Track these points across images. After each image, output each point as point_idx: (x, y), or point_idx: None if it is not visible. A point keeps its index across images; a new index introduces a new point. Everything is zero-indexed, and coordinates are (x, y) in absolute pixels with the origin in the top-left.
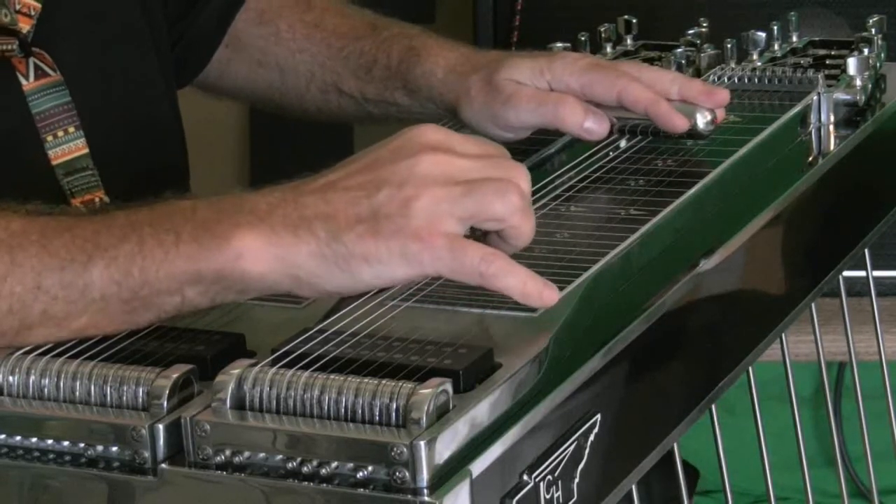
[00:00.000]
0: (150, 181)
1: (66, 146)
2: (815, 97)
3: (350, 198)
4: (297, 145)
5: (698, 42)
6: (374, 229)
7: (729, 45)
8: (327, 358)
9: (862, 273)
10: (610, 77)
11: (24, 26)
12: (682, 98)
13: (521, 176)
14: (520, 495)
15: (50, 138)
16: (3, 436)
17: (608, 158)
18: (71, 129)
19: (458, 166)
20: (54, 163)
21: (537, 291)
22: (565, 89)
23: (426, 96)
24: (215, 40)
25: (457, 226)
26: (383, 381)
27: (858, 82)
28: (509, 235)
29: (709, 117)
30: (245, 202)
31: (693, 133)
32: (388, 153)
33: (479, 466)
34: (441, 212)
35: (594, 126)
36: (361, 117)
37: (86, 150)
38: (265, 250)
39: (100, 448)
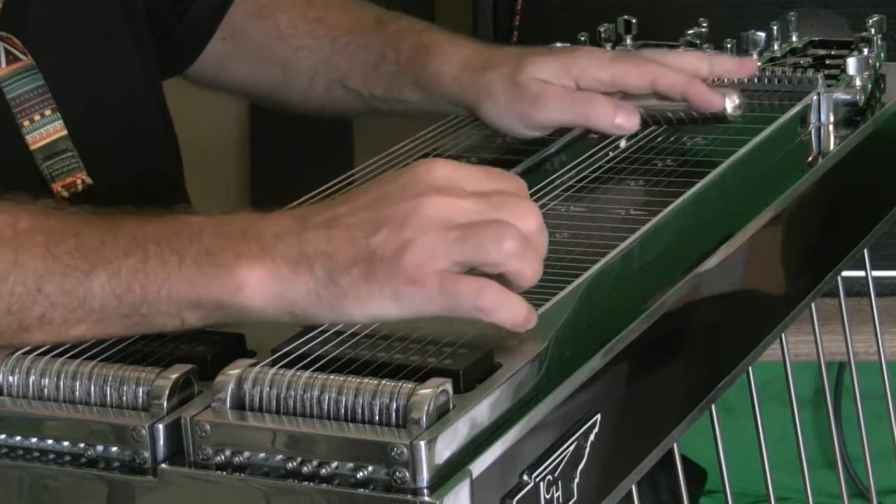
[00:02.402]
0: (132, 160)
1: (44, 129)
2: (815, 97)
3: (350, 237)
4: (298, 142)
5: (698, 42)
6: (368, 272)
7: (729, 45)
8: (327, 358)
9: (861, 273)
10: (640, 66)
11: None
12: (714, 75)
13: (526, 214)
14: (520, 495)
15: (27, 123)
16: (3, 436)
17: (608, 158)
18: (47, 112)
19: (461, 209)
20: (32, 147)
21: (525, 319)
22: (595, 84)
23: (439, 94)
24: (207, 33)
25: (451, 269)
26: (383, 381)
27: (858, 82)
28: (510, 279)
29: (737, 101)
30: (251, 230)
31: (721, 117)
32: (395, 190)
33: (479, 466)
34: (435, 255)
35: (625, 122)
36: (367, 112)
37: (64, 132)
38: (265, 285)
39: (100, 448)
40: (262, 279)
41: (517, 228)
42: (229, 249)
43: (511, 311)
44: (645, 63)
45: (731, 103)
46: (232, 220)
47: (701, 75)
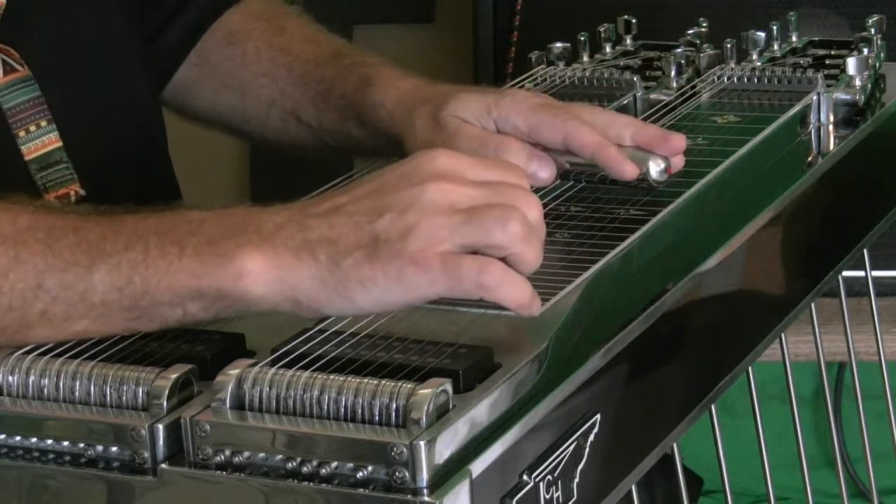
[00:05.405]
0: (127, 173)
1: (39, 140)
2: (815, 97)
3: (353, 223)
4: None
5: (698, 42)
6: (371, 255)
7: (729, 45)
8: (327, 358)
9: (861, 273)
10: (558, 119)
11: None
12: (636, 144)
13: (528, 203)
14: (520, 495)
15: (22, 133)
16: (3, 436)
17: None
18: (43, 123)
19: (464, 194)
20: (27, 158)
21: (529, 300)
22: (512, 130)
23: (376, 129)
24: (178, 58)
25: (455, 252)
26: (383, 381)
27: (858, 82)
28: (513, 262)
29: (662, 166)
30: (252, 220)
31: (645, 182)
32: (397, 178)
33: (479, 466)
34: (439, 238)
35: (538, 171)
36: (318, 148)
37: (59, 144)
38: (266, 272)
39: (100, 448)
40: (263, 266)
41: (521, 212)
42: (230, 239)
43: (515, 290)
44: (564, 118)
45: (656, 167)
46: (232, 213)
47: (622, 141)
